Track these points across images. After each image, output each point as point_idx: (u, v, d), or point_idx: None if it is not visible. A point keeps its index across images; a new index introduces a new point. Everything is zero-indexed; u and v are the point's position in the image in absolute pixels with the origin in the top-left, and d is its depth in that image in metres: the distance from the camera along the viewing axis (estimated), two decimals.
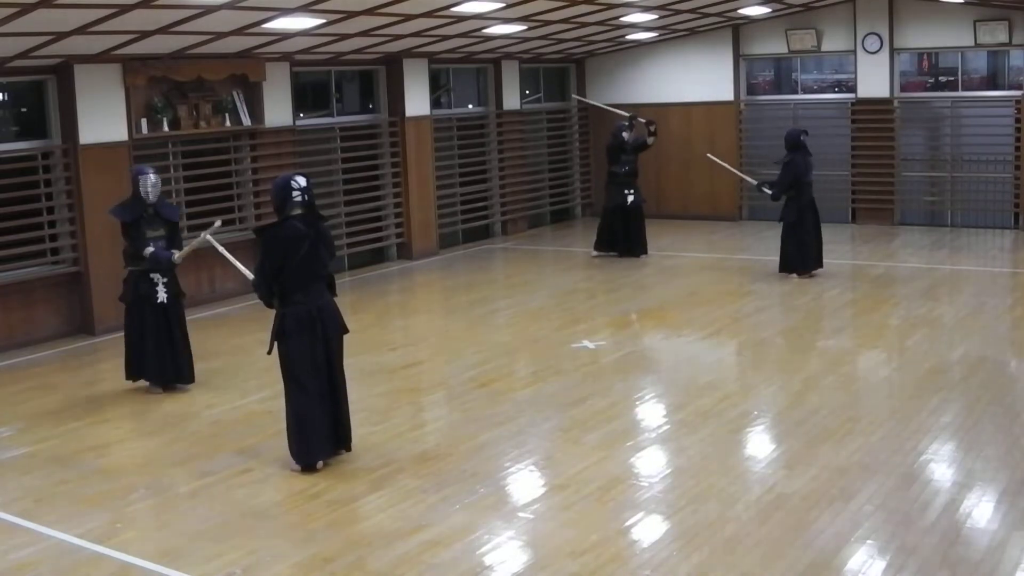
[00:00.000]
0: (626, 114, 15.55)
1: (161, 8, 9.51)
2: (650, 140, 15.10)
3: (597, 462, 7.18)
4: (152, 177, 9.02)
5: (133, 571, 5.84)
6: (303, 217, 7.06)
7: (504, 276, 14.98)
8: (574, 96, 18.77)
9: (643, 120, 15.16)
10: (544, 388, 9.01)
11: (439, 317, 12.43)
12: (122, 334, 9.32)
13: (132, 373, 9.23)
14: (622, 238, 14.98)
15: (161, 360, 9.11)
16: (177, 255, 9.02)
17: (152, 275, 9.01)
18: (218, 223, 8.77)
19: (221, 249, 8.64)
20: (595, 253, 15.16)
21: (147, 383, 9.23)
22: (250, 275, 7.51)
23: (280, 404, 7.50)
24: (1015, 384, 8.84)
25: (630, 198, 14.88)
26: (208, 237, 8.59)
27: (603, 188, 15.68)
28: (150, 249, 8.92)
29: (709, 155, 15.69)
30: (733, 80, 17.79)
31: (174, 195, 12.75)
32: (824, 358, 9.86)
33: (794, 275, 13.11)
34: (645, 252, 15.02)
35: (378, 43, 13.72)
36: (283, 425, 7.36)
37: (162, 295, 9.06)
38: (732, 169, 15.24)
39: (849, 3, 16.62)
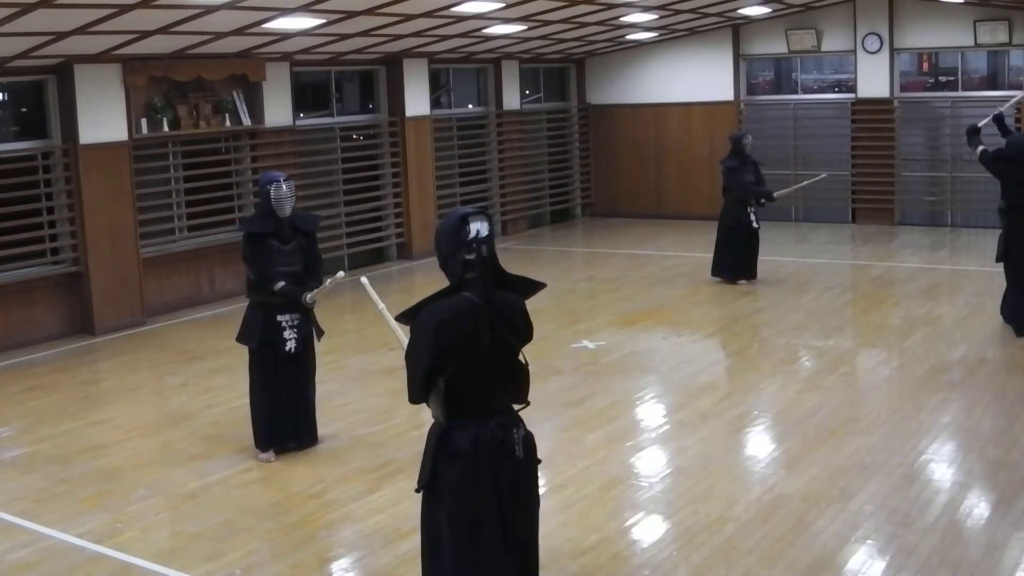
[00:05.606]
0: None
1: (161, 8, 9.51)
2: None
3: (597, 462, 7.18)
4: (284, 187, 7.22)
5: (133, 571, 5.84)
6: None
7: None
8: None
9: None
10: (544, 388, 8.97)
11: None
12: (122, 335, 9.15)
13: (262, 441, 7.43)
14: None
15: (277, 418, 7.43)
16: (309, 296, 7.26)
17: (279, 317, 7.33)
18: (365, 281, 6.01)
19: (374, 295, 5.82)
20: None
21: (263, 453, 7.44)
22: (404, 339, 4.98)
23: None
24: (1015, 384, 8.83)
25: None
26: (340, 276, 7.14)
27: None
28: (281, 284, 7.25)
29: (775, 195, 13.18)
30: (733, 80, 17.79)
31: (174, 195, 12.79)
32: (824, 358, 9.85)
33: None
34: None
35: (378, 43, 13.72)
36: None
37: (291, 343, 7.38)
38: (799, 186, 14.14)
39: (849, 3, 16.62)
